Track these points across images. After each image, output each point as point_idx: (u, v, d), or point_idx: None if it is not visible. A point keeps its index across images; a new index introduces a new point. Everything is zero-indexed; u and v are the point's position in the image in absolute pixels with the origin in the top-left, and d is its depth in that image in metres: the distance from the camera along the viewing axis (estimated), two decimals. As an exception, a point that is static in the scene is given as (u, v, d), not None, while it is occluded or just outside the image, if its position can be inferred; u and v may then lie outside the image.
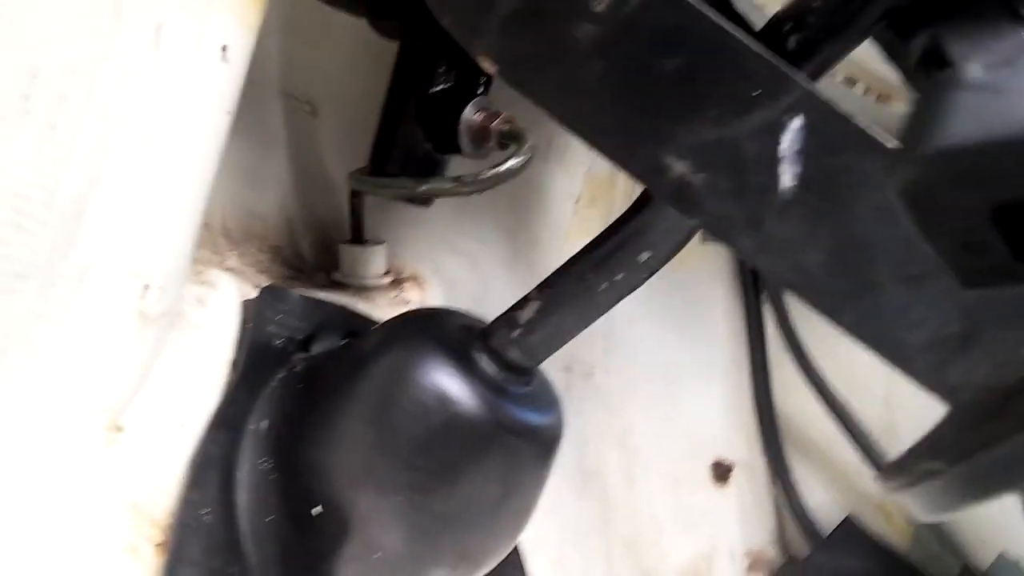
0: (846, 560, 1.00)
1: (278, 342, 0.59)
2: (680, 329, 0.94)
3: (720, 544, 0.93)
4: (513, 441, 0.55)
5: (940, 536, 0.96)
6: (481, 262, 0.82)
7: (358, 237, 0.77)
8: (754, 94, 0.37)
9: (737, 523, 0.96)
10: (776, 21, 0.45)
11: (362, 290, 0.77)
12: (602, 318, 0.90)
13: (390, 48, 0.67)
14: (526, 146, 0.55)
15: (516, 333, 0.54)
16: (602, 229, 0.87)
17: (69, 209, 0.43)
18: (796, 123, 0.36)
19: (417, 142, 0.62)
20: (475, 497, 0.55)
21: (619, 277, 0.52)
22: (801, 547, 1.04)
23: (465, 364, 0.54)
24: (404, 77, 0.62)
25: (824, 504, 1.04)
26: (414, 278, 0.83)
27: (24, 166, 0.40)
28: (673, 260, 0.97)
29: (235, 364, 0.56)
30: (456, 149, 0.60)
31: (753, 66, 0.37)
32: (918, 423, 1.02)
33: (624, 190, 0.87)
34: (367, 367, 0.54)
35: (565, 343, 0.56)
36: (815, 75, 0.45)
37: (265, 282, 0.69)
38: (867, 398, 1.02)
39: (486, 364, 0.54)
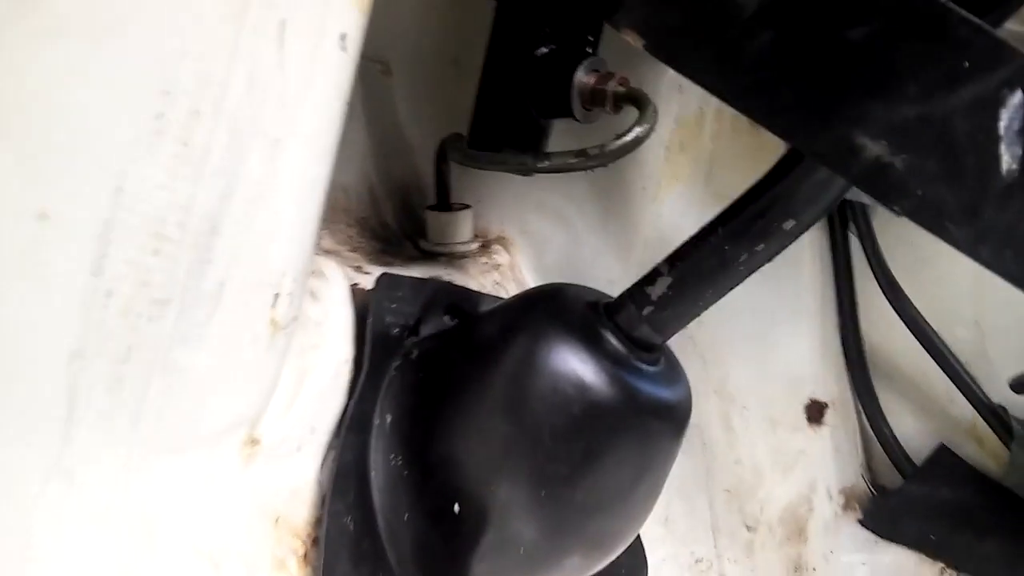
0: (941, 488, 0.99)
1: (395, 331, 0.57)
2: (767, 270, 0.91)
3: (818, 484, 0.92)
4: (651, 422, 0.53)
5: (1038, 460, 0.94)
6: (570, 218, 0.79)
7: (444, 203, 0.74)
8: (965, 66, 0.33)
9: (832, 462, 0.95)
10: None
11: (452, 258, 0.75)
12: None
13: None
14: (649, 110, 0.52)
15: (647, 310, 0.52)
16: (692, 174, 0.84)
17: (203, 227, 0.40)
18: (1016, 99, 0.33)
19: (520, 108, 0.59)
20: (612, 482, 0.53)
21: (760, 248, 0.49)
22: (892, 479, 1.03)
23: (595, 346, 0.52)
24: (504, 40, 0.58)
25: (914, 434, 1.02)
26: (501, 240, 0.80)
27: (159, 188, 0.38)
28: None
29: (359, 360, 0.54)
30: (566, 114, 0.57)
31: (960, 34, 0.34)
32: (1009, 345, 1.00)
33: (711, 132, 0.84)
34: (494, 356, 0.52)
35: (697, 317, 0.53)
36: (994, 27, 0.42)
37: (360, 260, 0.67)
38: (956, 323, 0.99)
39: (615, 342, 0.52)
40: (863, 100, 0.36)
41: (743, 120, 0.87)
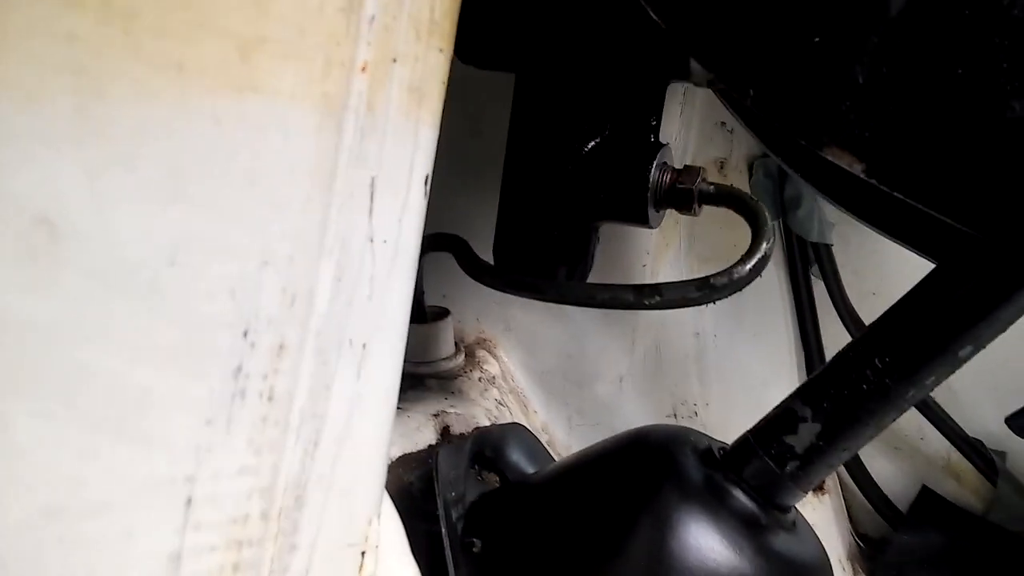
0: (931, 534, 0.95)
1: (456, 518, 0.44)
2: (752, 332, 0.84)
3: (832, 557, 0.85)
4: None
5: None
6: (567, 312, 0.67)
7: (419, 312, 0.61)
8: None
9: (835, 528, 0.88)
10: None
11: (440, 378, 0.62)
12: (694, 342, 0.78)
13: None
14: (764, 217, 0.41)
15: (792, 466, 0.41)
16: (678, 240, 0.75)
17: (288, 504, 0.26)
18: None
19: (566, 215, 0.46)
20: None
21: (929, 381, 0.40)
22: (873, 526, 0.98)
23: (735, 518, 0.41)
24: (535, 130, 0.46)
25: (893, 476, 0.98)
26: (483, 342, 0.67)
27: (239, 475, 0.23)
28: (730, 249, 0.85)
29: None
30: (634, 219, 0.45)
31: None
32: (971, 375, 0.97)
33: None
34: (614, 551, 0.41)
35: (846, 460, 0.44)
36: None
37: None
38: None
39: (751, 506, 0.42)
40: None
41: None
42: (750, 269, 0.40)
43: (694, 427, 0.74)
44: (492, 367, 0.65)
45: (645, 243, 0.69)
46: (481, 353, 0.66)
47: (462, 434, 0.56)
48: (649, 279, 0.70)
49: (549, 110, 0.45)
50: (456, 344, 0.65)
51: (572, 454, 0.51)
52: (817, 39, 0.30)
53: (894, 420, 0.42)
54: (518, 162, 0.47)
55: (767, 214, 0.41)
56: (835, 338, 0.94)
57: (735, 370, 0.80)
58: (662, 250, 0.71)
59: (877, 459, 0.99)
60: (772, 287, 0.89)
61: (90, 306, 0.18)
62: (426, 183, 0.30)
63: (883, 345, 0.40)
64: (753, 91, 0.32)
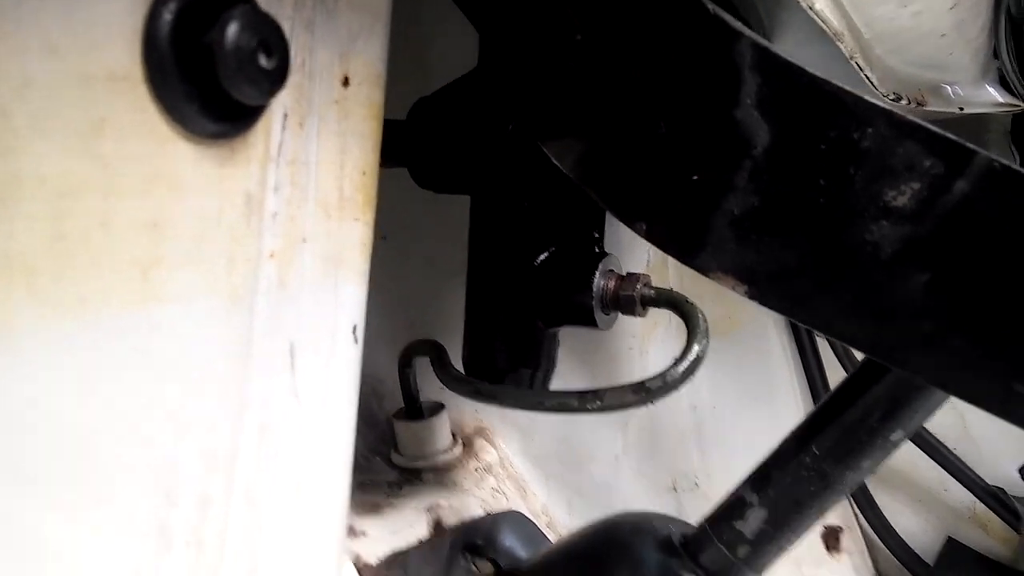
0: (960, 586, 0.94)
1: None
2: (755, 399, 0.85)
3: (850, 618, 0.86)
4: None
5: (1052, 540, 0.91)
6: (557, 395, 0.70)
7: (415, 411, 0.65)
8: None
9: (857, 587, 0.89)
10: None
11: (437, 471, 0.65)
12: (690, 416, 0.80)
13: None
14: (699, 319, 0.44)
15: (743, 551, 0.43)
16: (667, 318, 0.77)
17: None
18: None
19: (524, 322, 0.50)
20: None
21: (865, 464, 0.42)
22: (903, 577, 0.97)
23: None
24: (491, 247, 0.50)
25: (919, 528, 0.98)
26: (481, 432, 0.71)
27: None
28: (724, 320, 0.87)
29: None
30: (584, 322, 0.48)
31: None
32: (993, 425, 0.96)
33: (675, 266, 0.77)
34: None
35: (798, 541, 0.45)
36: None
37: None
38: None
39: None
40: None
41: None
42: (683, 371, 0.42)
43: (695, 499, 0.76)
44: (490, 455, 0.68)
45: (631, 326, 0.72)
46: (479, 442, 0.69)
47: (454, 526, 0.59)
48: (638, 360, 0.72)
49: (501, 228, 0.49)
50: (454, 435, 0.68)
51: (561, 539, 0.54)
52: (695, 177, 0.34)
53: (836, 503, 0.44)
54: (477, 275, 0.50)
55: (701, 316, 0.44)
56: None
57: (738, 439, 0.81)
58: (650, 330, 0.74)
59: (902, 512, 0.99)
60: (774, 352, 0.91)
61: (13, 501, 0.22)
62: (355, 332, 0.34)
63: (819, 434, 0.42)
64: (645, 225, 0.35)
